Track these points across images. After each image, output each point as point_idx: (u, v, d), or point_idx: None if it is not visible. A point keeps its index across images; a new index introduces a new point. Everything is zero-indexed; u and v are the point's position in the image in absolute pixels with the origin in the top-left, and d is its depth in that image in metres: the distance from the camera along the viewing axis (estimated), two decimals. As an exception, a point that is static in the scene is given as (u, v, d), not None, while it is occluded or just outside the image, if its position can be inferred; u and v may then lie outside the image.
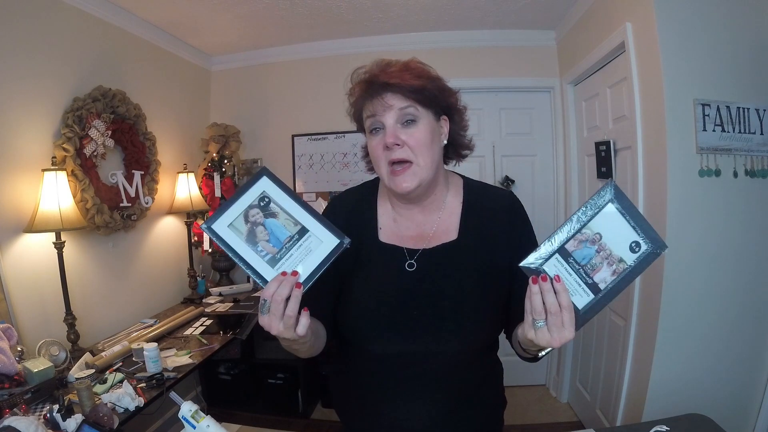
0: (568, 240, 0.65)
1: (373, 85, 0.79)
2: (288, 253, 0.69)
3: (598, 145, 2.18)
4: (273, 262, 0.68)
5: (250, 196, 0.70)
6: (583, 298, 0.65)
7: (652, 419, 1.03)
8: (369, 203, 0.91)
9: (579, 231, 0.65)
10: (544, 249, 0.65)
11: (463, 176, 0.94)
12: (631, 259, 0.65)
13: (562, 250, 0.65)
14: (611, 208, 0.65)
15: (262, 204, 0.70)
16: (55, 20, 1.82)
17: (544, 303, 0.62)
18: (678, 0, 1.56)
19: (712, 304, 1.61)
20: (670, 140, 1.56)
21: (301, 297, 0.64)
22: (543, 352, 0.70)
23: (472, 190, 0.91)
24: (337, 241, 0.69)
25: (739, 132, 1.56)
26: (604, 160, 2.13)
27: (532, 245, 0.77)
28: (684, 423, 1.00)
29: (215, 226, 0.69)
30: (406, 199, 0.85)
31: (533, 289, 0.63)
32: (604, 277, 0.65)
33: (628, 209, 0.65)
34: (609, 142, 2.06)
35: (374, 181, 0.95)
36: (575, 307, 0.64)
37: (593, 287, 0.65)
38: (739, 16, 1.57)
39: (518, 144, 2.79)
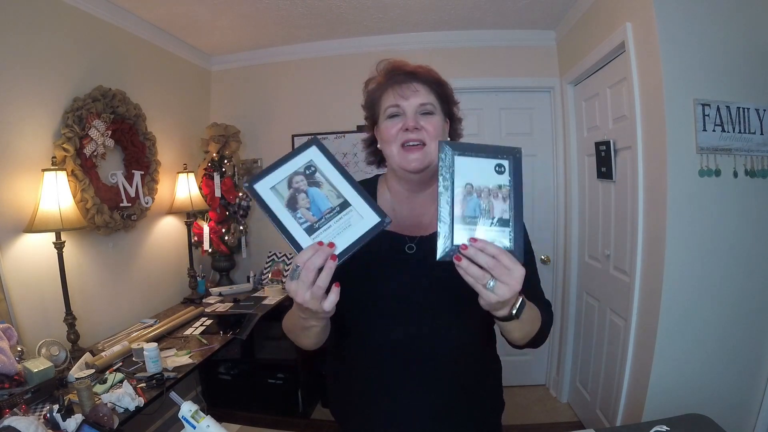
0: (452, 210, 0.66)
1: (399, 73, 0.86)
2: (327, 224, 0.68)
3: (598, 145, 2.18)
4: (310, 230, 0.68)
5: (297, 163, 0.70)
6: (503, 237, 0.67)
7: (652, 419, 1.03)
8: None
9: (452, 196, 0.67)
10: (442, 232, 0.66)
11: None
12: (505, 179, 0.68)
13: (456, 220, 0.66)
14: (458, 159, 0.68)
15: (307, 172, 0.70)
16: (55, 20, 1.82)
17: (481, 267, 0.63)
18: (678, 0, 1.56)
19: (712, 304, 1.61)
20: (670, 140, 1.56)
21: (333, 270, 0.64)
22: (515, 309, 0.70)
23: None
24: (378, 219, 0.68)
25: (739, 132, 1.56)
26: (604, 160, 2.13)
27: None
28: (684, 423, 1.00)
29: (257, 186, 0.68)
30: (410, 183, 0.89)
31: (463, 264, 0.64)
32: (501, 208, 0.67)
33: (466, 149, 0.68)
34: (609, 142, 2.06)
35: (372, 178, 1.00)
36: (506, 248, 0.66)
37: (502, 222, 0.67)
38: (739, 16, 1.57)
39: (518, 144, 2.74)
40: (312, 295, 0.64)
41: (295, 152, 0.70)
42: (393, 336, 0.84)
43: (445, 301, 0.83)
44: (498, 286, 0.63)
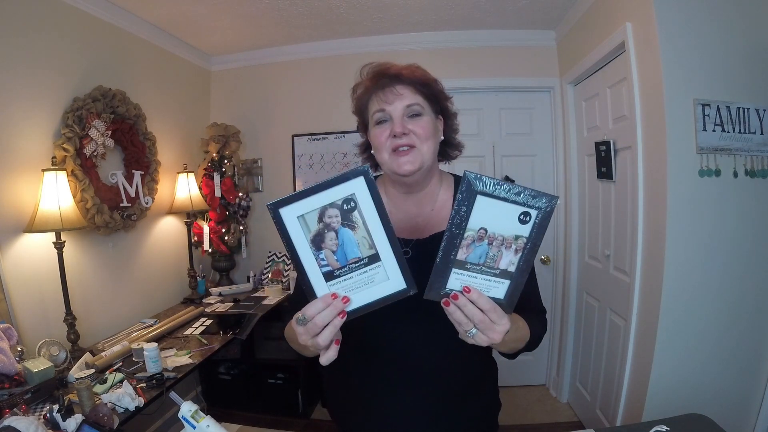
0: (455, 252, 0.61)
1: (384, 77, 0.83)
2: (349, 274, 0.62)
3: (598, 145, 2.18)
4: (329, 276, 0.62)
5: (337, 194, 0.60)
6: (499, 288, 0.63)
7: (652, 419, 1.03)
8: None
9: (461, 240, 0.61)
10: (437, 272, 0.62)
11: (454, 174, 0.98)
12: (526, 230, 0.61)
13: (455, 264, 0.61)
14: (480, 199, 0.60)
15: (345, 207, 0.60)
16: (55, 20, 1.82)
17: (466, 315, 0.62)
18: (678, 0, 1.56)
19: (712, 304, 1.61)
20: (670, 140, 1.56)
21: (339, 327, 0.62)
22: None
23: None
24: (404, 286, 0.63)
25: (739, 132, 1.56)
26: (604, 160, 2.13)
27: None
28: (684, 423, 1.00)
29: (283, 211, 0.60)
30: (405, 185, 0.89)
31: (450, 309, 0.62)
32: (509, 260, 0.62)
33: (495, 187, 0.60)
34: (609, 142, 2.06)
35: None
36: (497, 300, 0.63)
37: (504, 274, 0.62)
38: (739, 16, 1.57)
39: (518, 144, 2.79)
40: (312, 344, 0.63)
41: (338, 179, 0.60)
42: (389, 340, 0.84)
43: (440, 305, 0.83)
44: (478, 335, 0.62)
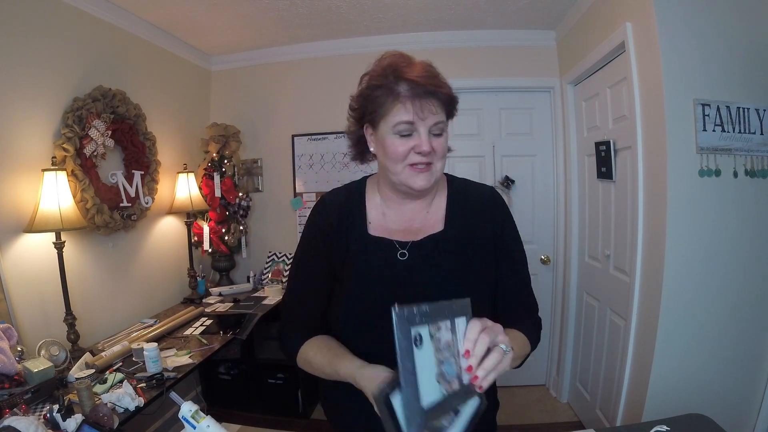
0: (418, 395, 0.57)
1: (419, 87, 0.77)
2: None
3: (598, 145, 2.18)
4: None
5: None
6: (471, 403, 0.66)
7: (652, 419, 1.03)
8: (358, 199, 0.94)
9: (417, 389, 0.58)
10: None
11: (447, 174, 0.98)
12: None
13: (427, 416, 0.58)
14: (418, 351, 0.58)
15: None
16: (55, 20, 1.82)
17: None
18: (678, 0, 1.56)
19: (712, 304, 1.61)
20: (670, 140, 1.56)
21: None
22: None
23: (455, 185, 0.96)
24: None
25: (739, 132, 1.56)
26: (604, 160, 2.13)
27: (513, 235, 0.93)
28: (684, 423, 1.00)
29: (395, 399, 0.61)
30: (411, 196, 0.88)
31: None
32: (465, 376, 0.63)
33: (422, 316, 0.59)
34: (609, 142, 2.06)
35: (360, 180, 0.99)
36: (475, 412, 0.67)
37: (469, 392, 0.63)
38: (739, 16, 1.56)
39: (518, 144, 2.79)
40: None
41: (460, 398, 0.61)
42: (382, 343, 0.81)
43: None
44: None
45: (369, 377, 0.73)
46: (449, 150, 0.92)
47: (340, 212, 0.91)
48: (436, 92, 0.79)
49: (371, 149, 0.88)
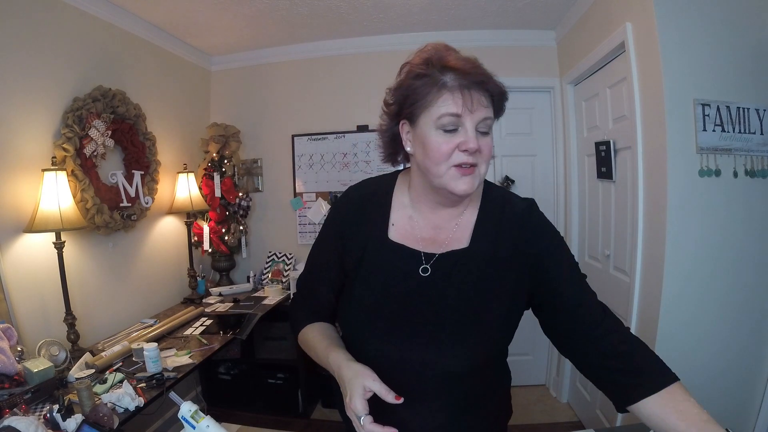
0: None
1: (467, 75, 0.72)
2: None
3: (598, 145, 2.18)
4: None
5: None
6: None
7: (652, 419, 1.03)
8: (384, 197, 0.87)
9: None
10: None
11: (486, 182, 0.87)
12: None
13: None
14: None
15: None
16: (55, 20, 1.82)
17: None
18: (678, 0, 1.56)
19: (712, 304, 1.61)
20: (670, 140, 1.56)
21: None
22: None
23: (492, 196, 0.86)
24: None
25: (739, 132, 1.56)
26: (604, 160, 2.13)
27: (557, 246, 0.81)
28: (684, 423, 0.99)
29: None
30: (446, 202, 0.81)
31: None
32: None
33: None
34: (609, 142, 2.06)
35: (392, 174, 0.91)
36: None
37: None
38: (739, 16, 1.57)
39: (518, 144, 2.79)
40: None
41: None
42: (389, 354, 0.79)
43: (447, 325, 0.78)
44: None
45: (354, 369, 0.73)
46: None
47: (362, 207, 0.86)
48: (487, 83, 0.72)
49: (407, 149, 0.79)
